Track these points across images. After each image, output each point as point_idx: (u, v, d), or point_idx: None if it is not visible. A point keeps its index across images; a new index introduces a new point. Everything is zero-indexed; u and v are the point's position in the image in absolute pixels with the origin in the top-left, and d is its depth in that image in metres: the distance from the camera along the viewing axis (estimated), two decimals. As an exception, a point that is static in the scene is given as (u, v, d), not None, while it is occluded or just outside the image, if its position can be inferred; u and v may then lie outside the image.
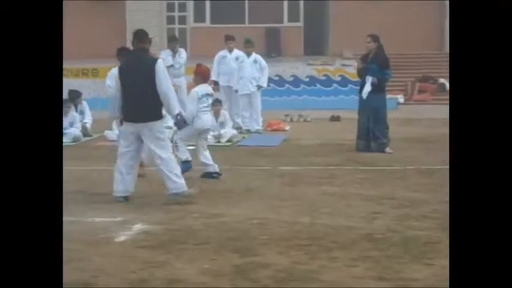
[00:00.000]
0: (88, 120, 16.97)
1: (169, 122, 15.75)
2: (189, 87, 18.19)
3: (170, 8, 30.80)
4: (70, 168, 11.93)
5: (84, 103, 17.37)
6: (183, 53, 17.79)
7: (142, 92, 9.49)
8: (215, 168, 11.42)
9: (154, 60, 9.72)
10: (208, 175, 11.36)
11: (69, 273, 6.61)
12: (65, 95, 16.47)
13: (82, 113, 16.95)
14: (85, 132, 16.44)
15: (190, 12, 30.91)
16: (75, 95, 17.14)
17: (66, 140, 15.06)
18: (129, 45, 27.47)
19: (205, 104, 11.40)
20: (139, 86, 9.51)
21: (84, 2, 29.21)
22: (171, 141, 10.77)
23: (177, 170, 9.71)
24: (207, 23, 30.92)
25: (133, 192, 9.90)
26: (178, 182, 9.58)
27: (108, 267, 6.78)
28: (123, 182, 9.69)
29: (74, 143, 15.42)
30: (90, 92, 22.82)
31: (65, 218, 8.67)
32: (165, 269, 6.70)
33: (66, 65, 22.50)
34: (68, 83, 20.70)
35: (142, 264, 6.85)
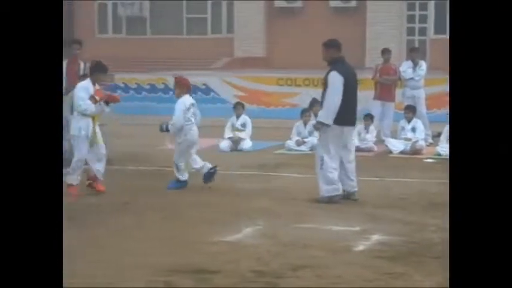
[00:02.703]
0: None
1: (408, 134, 15.69)
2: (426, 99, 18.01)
3: (410, 19, 30.60)
4: (305, 177, 12.13)
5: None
6: (423, 65, 17.59)
7: (355, 98, 10.50)
8: (207, 166, 11.31)
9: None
10: (209, 175, 11.25)
11: (308, 278, 6.79)
12: (307, 104, 16.81)
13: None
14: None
15: (430, 24, 30.55)
16: (314, 103, 17.44)
17: (304, 148, 15.35)
18: (369, 55, 27.67)
19: (191, 115, 11.25)
20: (355, 92, 10.50)
21: (326, 13, 29.72)
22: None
23: None
24: (448, 34, 30.43)
25: (368, 202, 10.18)
26: (354, 182, 10.48)
27: (346, 275, 6.86)
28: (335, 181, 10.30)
29: (312, 152, 15.68)
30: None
31: (303, 225, 8.98)
32: (403, 280, 6.69)
33: (306, 74, 23.02)
34: (307, 92, 21.11)
35: (380, 274, 6.88)
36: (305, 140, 15.63)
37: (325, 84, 10.48)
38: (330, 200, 10.18)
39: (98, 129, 10.95)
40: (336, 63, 10.40)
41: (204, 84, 22.53)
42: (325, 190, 10.26)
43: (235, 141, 15.80)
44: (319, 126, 10.35)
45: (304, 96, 21.17)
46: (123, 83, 23.70)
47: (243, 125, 16.15)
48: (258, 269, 7.08)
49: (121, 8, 32.34)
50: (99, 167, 10.89)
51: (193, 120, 11.25)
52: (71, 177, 10.69)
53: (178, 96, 11.30)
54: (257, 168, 13.38)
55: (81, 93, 10.80)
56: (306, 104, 17.29)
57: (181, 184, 11.21)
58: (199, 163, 11.34)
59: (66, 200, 8.87)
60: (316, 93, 21.62)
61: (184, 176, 11.24)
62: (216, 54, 30.10)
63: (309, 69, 25.48)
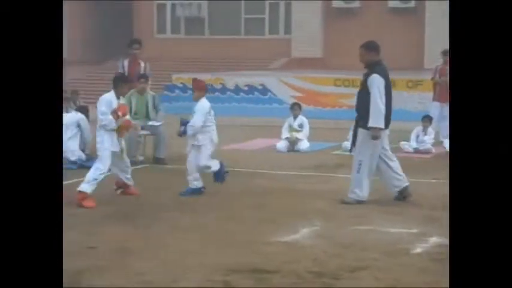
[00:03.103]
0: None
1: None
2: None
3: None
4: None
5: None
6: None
7: (391, 101, 10.34)
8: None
9: None
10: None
11: (365, 280, 6.77)
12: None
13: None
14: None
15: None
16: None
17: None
18: (428, 56, 27.39)
19: (212, 117, 11.06)
20: (391, 95, 10.38)
21: (384, 13, 29.55)
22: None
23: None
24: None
25: (425, 204, 10.14)
26: (402, 176, 10.47)
27: (404, 278, 6.83)
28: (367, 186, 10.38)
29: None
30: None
31: (360, 227, 8.95)
32: (462, 284, 6.62)
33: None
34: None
35: (438, 277, 6.82)
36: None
37: (363, 87, 10.36)
38: (358, 202, 10.22)
39: (123, 144, 10.64)
40: (375, 66, 10.34)
41: (261, 85, 22.56)
42: (355, 194, 10.28)
43: (292, 142, 15.82)
44: (377, 132, 10.09)
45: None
46: (181, 83, 23.87)
47: (300, 126, 16.17)
48: (315, 269, 7.09)
49: (179, 8, 32.59)
50: (127, 177, 10.78)
51: (214, 121, 11.22)
52: (85, 185, 10.10)
53: (197, 99, 11.13)
54: (314, 168, 13.38)
55: (103, 107, 10.34)
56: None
57: (221, 170, 11.08)
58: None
59: (68, 207, 8.90)
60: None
61: (216, 166, 11.06)
62: (273, 54, 30.16)
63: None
